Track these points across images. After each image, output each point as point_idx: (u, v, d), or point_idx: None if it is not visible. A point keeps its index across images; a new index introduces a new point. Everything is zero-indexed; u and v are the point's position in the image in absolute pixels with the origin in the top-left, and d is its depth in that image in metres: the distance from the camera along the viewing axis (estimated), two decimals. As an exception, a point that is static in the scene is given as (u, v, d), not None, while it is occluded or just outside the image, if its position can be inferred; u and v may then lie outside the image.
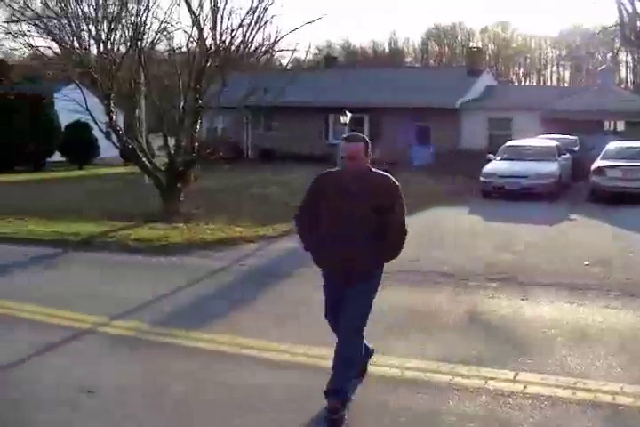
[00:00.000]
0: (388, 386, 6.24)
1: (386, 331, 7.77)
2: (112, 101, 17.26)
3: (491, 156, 23.67)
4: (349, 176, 5.70)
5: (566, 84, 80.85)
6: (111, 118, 17.28)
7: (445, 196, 21.26)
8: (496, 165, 22.39)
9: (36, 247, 13.74)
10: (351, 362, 5.78)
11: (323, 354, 6.68)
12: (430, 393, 6.03)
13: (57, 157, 37.75)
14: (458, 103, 34.73)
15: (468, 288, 9.84)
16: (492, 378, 6.33)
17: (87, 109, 17.38)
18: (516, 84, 79.85)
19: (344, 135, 5.81)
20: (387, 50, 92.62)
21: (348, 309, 5.75)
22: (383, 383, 6.30)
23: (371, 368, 6.55)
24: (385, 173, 5.80)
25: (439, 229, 15.35)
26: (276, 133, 38.17)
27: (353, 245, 5.67)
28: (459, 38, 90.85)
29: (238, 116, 19.38)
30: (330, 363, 5.86)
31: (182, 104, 17.33)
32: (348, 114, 18.33)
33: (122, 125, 18.15)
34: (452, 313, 8.60)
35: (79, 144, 36.68)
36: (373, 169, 5.79)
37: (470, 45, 70.29)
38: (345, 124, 18.43)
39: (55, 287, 10.23)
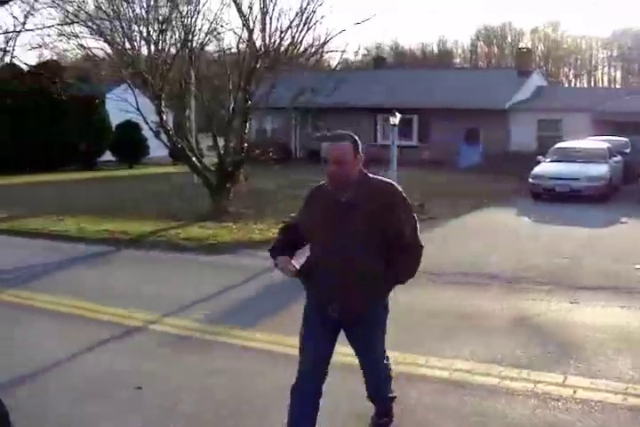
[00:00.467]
0: (436, 387, 6.22)
1: (433, 332, 7.78)
2: (162, 102, 17.43)
3: (540, 157, 23.45)
4: (337, 185, 4.52)
5: (617, 86, 79.67)
6: (162, 118, 17.44)
7: (494, 197, 21.13)
8: (546, 167, 22.18)
9: (87, 245, 13.98)
10: (388, 379, 5.22)
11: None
12: (478, 396, 6.00)
13: (107, 156, 38.16)
14: (507, 104, 34.46)
15: (517, 291, 9.78)
16: (540, 382, 6.28)
17: (138, 109, 17.56)
18: (566, 85, 78.99)
19: (323, 134, 4.92)
20: (435, 51, 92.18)
21: (359, 355, 4.93)
22: (431, 384, 6.29)
23: (419, 369, 6.57)
24: (383, 179, 4.68)
25: (487, 231, 15.27)
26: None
27: (349, 279, 4.52)
28: (508, 39, 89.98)
29: (287, 117, 19.44)
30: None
31: (232, 105, 17.42)
32: (398, 115, 18.24)
33: (171, 125, 18.29)
34: (499, 315, 8.55)
35: (129, 144, 37.05)
36: (370, 174, 4.65)
37: (520, 46, 69.63)
38: (394, 124, 18.34)
39: (105, 285, 10.37)
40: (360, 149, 4.53)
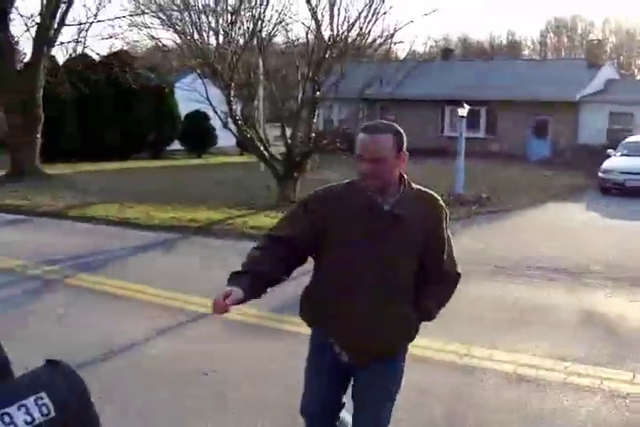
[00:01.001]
0: (500, 381, 6.21)
1: (498, 325, 7.75)
2: (232, 91, 17.57)
3: (610, 151, 23.08)
4: (375, 186, 3.49)
5: (693, 79, 77.80)
6: (231, 108, 17.59)
7: (562, 191, 20.88)
8: (616, 161, 21.83)
9: (156, 232, 14.20)
10: None
11: (446, 348, 6.72)
12: (544, 391, 5.97)
13: (176, 145, 38.61)
14: (577, 96, 33.90)
15: (585, 286, 9.68)
16: (608, 378, 6.22)
17: (207, 99, 17.74)
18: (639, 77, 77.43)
19: (364, 124, 3.59)
20: (504, 42, 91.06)
21: (365, 403, 3.79)
22: (495, 378, 6.27)
23: (483, 362, 6.56)
24: (426, 190, 3.73)
25: (555, 225, 15.10)
26: (391, 125, 38.06)
27: (378, 316, 3.58)
28: (578, 30, 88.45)
29: (354, 108, 19.41)
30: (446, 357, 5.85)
31: (300, 95, 17.50)
32: (466, 106, 18.13)
33: (240, 115, 18.43)
34: (566, 310, 8.47)
35: (198, 133, 37.42)
36: (411, 182, 3.65)
37: (590, 37, 68.39)
38: (463, 116, 18.24)
39: (173, 271, 10.54)
40: (404, 144, 3.50)
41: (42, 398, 1.98)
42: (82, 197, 19.35)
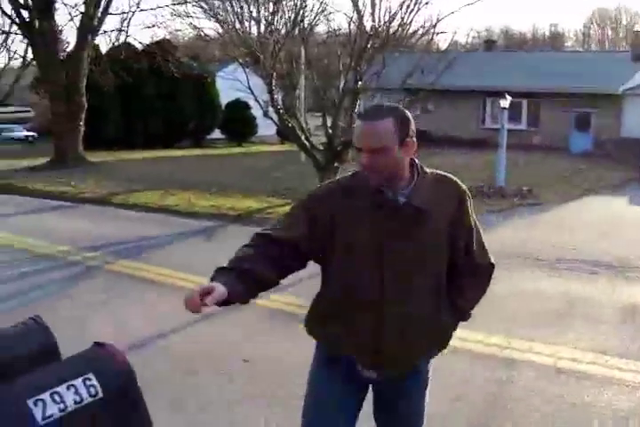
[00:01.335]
0: (541, 374, 6.17)
1: (539, 318, 7.70)
2: (273, 80, 17.58)
3: (655, 145, 22.82)
4: (379, 182, 2.91)
5: None
6: (272, 97, 17.60)
7: (605, 184, 20.66)
8: (660, 155, 21.58)
9: (196, 220, 14.33)
10: None
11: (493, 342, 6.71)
12: (585, 385, 5.91)
13: (216, 134, 38.83)
14: (621, 89, 33.43)
15: (627, 280, 9.56)
16: (651, 373, 6.17)
17: (249, 88, 17.77)
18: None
19: (361, 110, 3.26)
20: (547, 34, 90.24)
21: (396, 423, 3.33)
22: (536, 371, 6.23)
23: (524, 355, 6.52)
24: (444, 173, 3.14)
25: (597, 218, 14.95)
26: (431, 116, 37.88)
27: (408, 328, 3.01)
28: (623, 22, 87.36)
29: (395, 98, 19.34)
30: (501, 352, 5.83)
31: (342, 85, 17.47)
32: (508, 98, 17.99)
33: (281, 104, 18.44)
34: (607, 304, 8.38)
35: (238, 122, 37.60)
36: (424, 167, 3.06)
37: (635, 29, 67.44)
38: (504, 108, 18.11)
39: (213, 259, 10.57)
40: (411, 129, 2.93)
41: (90, 380, 2.02)
42: (124, 185, 19.58)
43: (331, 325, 3.12)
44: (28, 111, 48.68)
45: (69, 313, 7.74)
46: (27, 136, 42.56)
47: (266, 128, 37.54)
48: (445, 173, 3.14)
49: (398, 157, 2.89)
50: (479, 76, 35.49)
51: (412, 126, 2.95)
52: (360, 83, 17.20)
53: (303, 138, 17.61)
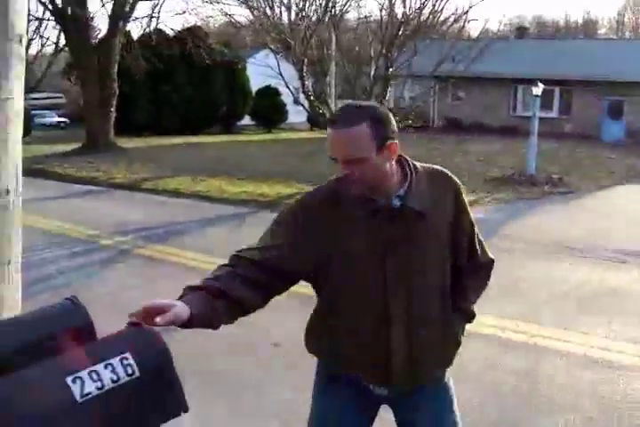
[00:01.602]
0: (572, 363, 6.15)
1: (569, 306, 7.67)
2: (305, 67, 17.59)
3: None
4: (363, 192, 2.57)
5: None
6: (303, 83, 17.61)
7: (637, 174, 20.46)
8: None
9: (226, 206, 14.39)
10: None
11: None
12: (614, 373, 5.89)
13: (246, 120, 38.90)
14: (655, 77, 33.11)
15: (660, 269, 9.52)
16: (683, 363, 6.13)
17: (280, 74, 17.78)
18: None
19: (331, 114, 2.70)
20: (580, 21, 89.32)
21: None
22: (566, 360, 6.21)
23: (554, 343, 6.51)
24: (434, 166, 2.81)
25: (628, 207, 14.83)
26: (462, 103, 37.75)
27: (418, 341, 2.70)
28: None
29: (426, 86, 19.31)
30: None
31: (372, 71, 17.44)
32: (541, 85, 17.83)
33: (312, 91, 18.45)
34: (638, 293, 8.35)
35: (269, 109, 37.65)
36: (415, 163, 2.72)
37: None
38: (537, 95, 17.96)
39: (243, 244, 10.66)
40: (390, 130, 2.54)
41: (127, 359, 2.04)
42: (154, 170, 19.71)
43: (332, 340, 2.82)
44: (60, 97, 49.04)
45: (102, 295, 7.82)
46: (58, 122, 42.89)
47: (296, 115, 37.59)
48: (438, 168, 2.82)
49: (379, 164, 2.53)
50: (510, 64, 35.22)
51: (393, 125, 2.56)
52: (391, 70, 17.17)
53: (334, 124, 17.59)
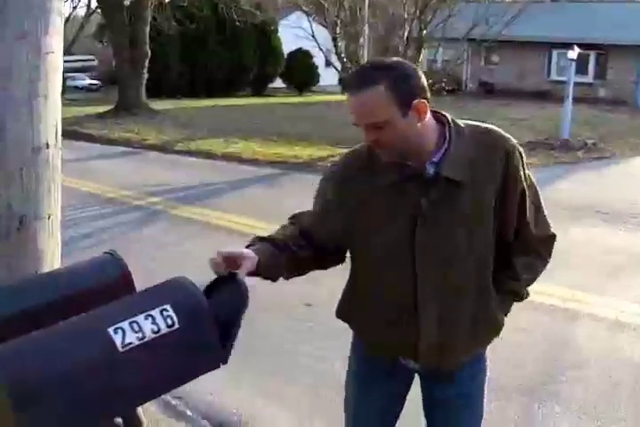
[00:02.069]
0: (602, 327, 6.14)
1: (604, 271, 7.63)
2: (338, 28, 17.46)
3: None
4: (394, 158, 2.36)
5: None
6: (336, 45, 17.50)
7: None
8: None
9: (259, 168, 14.42)
10: None
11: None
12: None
13: (278, 83, 38.77)
14: (694, 41, 32.52)
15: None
16: None
17: (313, 36, 17.68)
18: None
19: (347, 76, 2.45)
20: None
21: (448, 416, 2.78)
22: (598, 324, 6.20)
23: (587, 307, 6.49)
24: (485, 126, 2.51)
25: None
26: (495, 67, 37.34)
27: (452, 321, 2.50)
28: None
29: (459, 49, 19.12)
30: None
31: (406, 34, 17.28)
32: (576, 49, 17.58)
33: (344, 53, 18.32)
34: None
35: (300, 71, 37.48)
36: (459, 122, 2.45)
37: None
38: (572, 59, 17.71)
39: (276, 206, 10.65)
40: (417, 87, 2.28)
41: (167, 311, 2.07)
42: (186, 132, 19.77)
43: (360, 313, 2.69)
44: (92, 60, 49.11)
45: (136, 254, 7.88)
46: (90, 84, 42.98)
47: (327, 78, 37.40)
48: (488, 127, 2.51)
49: (406, 127, 2.27)
50: (545, 27, 34.70)
51: (420, 82, 2.29)
52: (424, 32, 17.00)
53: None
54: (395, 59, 2.39)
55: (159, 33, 29.54)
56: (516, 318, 6.04)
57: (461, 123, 2.45)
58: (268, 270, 2.39)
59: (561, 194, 11.49)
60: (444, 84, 17.12)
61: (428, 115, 2.36)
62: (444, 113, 2.45)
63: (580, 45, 18.48)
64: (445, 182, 2.34)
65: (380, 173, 2.40)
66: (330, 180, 2.57)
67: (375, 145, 2.34)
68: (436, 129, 2.39)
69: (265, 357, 5.46)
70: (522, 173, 2.45)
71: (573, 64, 18.05)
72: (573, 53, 17.64)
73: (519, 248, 2.55)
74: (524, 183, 2.46)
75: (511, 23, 17.36)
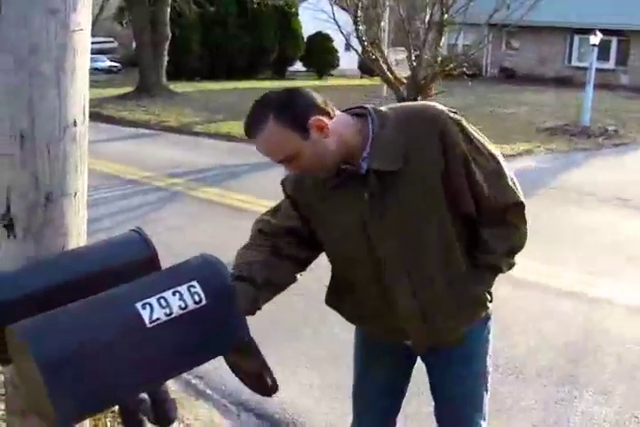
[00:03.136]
0: (619, 312, 6.14)
1: (623, 258, 7.61)
2: (359, 11, 17.36)
3: None
4: (322, 174, 2.45)
5: None
6: (357, 29, 17.42)
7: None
8: None
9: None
10: None
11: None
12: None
13: (297, 66, 38.70)
14: None
15: None
16: None
17: (334, 19, 17.60)
18: None
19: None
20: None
21: (447, 395, 2.83)
22: (618, 309, 6.19)
23: (608, 293, 6.49)
24: (414, 105, 2.57)
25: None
26: (516, 53, 37.13)
27: (424, 301, 2.52)
28: None
29: (480, 34, 19.00)
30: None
31: (427, 17, 17.17)
32: (599, 34, 17.45)
33: (365, 36, 18.24)
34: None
35: (320, 55, 37.41)
36: (383, 110, 2.44)
37: None
38: (594, 45, 17.59)
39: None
40: (305, 111, 2.30)
41: (194, 287, 2.09)
42: (206, 115, 19.82)
43: (344, 300, 2.74)
44: (112, 42, 49.12)
45: (158, 234, 7.92)
46: (110, 67, 43.01)
47: (346, 61, 37.30)
48: (422, 104, 2.53)
49: (315, 148, 2.30)
50: (566, 12, 34.38)
51: (307, 101, 2.33)
52: (446, 16, 16.89)
53: (387, 70, 17.43)
54: (278, 90, 2.43)
55: (180, 15, 29.51)
56: (533, 302, 6.14)
57: (389, 108, 2.45)
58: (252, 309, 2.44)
59: (581, 180, 11.46)
60: (465, 69, 17.00)
61: (344, 117, 2.41)
62: (364, 106, 2.45)
63: (601, 31, 18.32)
64: (379, 175, 2.36)
65: (318, 183, 2.49)
66: (286, 179, 2.70)
67: (302, 172, 2.44)
68: (357, 126, 2.40)
69: (282, 336, 5.49)
70: (462, 142, 2.39)
71: (595, 49, 17.94)
72: (596, 39, 17.52)
73: (485, 220, 2.51)
74: (468, 152, 2.40)
75: (533, 8, 17.19)
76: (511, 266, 2.60)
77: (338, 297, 2.75)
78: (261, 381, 2.34)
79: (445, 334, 2.60)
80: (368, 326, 2.78)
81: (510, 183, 2.49)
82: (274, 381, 2.33)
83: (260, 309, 2.49)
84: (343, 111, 2.45)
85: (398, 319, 2.55)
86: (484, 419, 2.81)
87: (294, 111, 2.28)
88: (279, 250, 2.60)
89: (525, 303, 6.20)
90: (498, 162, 2.48)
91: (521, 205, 2.52)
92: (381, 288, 2.52)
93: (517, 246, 2.58)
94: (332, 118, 2.34)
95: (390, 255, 2.46)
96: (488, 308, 2.63)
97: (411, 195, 2.39)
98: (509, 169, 2.52)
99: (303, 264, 2.70)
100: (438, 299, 2.51)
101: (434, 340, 2.62)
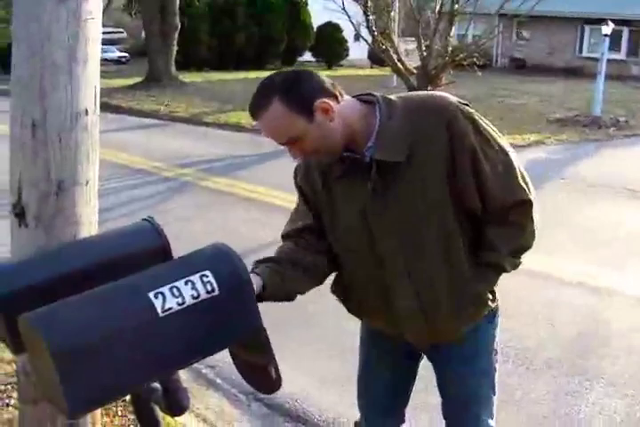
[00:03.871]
0: (627, 303, 6.13)
1: (630, 249, 7.59)
2: (369, 1, 17.30)
3: None
4: (327, 160, 2.45)
5: None
6: (367, 19, 17.36)
7: None
8: None
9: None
10: None
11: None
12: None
13: (307, 56, 38.62)
14: None
15: None
16: None
17: (343, 9, 17.54)
18: None
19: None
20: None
21: (451, 392, 2.80)
22: (624, 300, 6.18)
23: (614, 285, 6.47)
24: (423, 95, 2.47)
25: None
26: (526, 43, 36.98)
27: (424, 298, 2.49)
28: None
29: (490, 24, 18.92)
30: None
31: (438, 7, 17.10)
32: (610, 24, 17.36)
33: (375, 26, 18.18)
34: None
35: (329, 45, 37.32)
36: (391, 98, 2.40)
37: None
38: (606, 35, 17.49)
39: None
40: (312, 89, 2.27)
41: (207, 277, 2.08)
42: (215, 105, 19.80)
43: (350, 301, 2.73)
44: (121, 32, 49.08)
45: (168, 224, 7.93)
46: (119, 57, 42.97)
47: (356, 52, 37.21)
48: (430, 93, 2.47)
49: (320, 131, 2.28)
50: (578, 3, 34.25)
51: (314, 84, 2.28)
52: (457, 6, 16.83)
53: (397, 60, 17.38)
54: (285, 70, 2.41)
55: (189, 5, 29.47)
56: (544, 294, 6.12)
57: (398, 97, 2.42)
58: (275, 288, 2.41)
59: (591, 171, 11.41)
60: (475, 60, 16.93)
61: (352, 102, 2.38)
62: (373, 93, 2.41)
63: (612, 21, 18.22)
64: (383, 165, 2.32)
65: (332, 165, 2.44)
66: (297, 168, 2.68)
67: (304, 156, 2.40)
68: (363, 111, 2.37)
69: (293, 324, 5.49)
70: (471, 133, 2.32)
71: (607, 40, 17.83)
72: (607, 29, 17.41)
73: (490, 218, 2.45)
74: (477, 145, 2.33)
75: (544, -2, 17.14)
76: (516, 265, 2.52)
77: (342, 290, 2.72)
78: (266, 375, 2.33)
79: (446, 333, 2.58)
80: (370, 320, 2.78)
81: (520, 180, 2.41)
82: (279, 375, 2.33)
83: (301, 293, 2.53)
84: (352, 97, 2.42)
85: (398, 318, 2.54)
86: (492, 417, 2.77)
87: (300, 93, 2.25)
88: (302, 245, 2.58)
89: (535, 294, 6.19)
90: (508, 156, 2.41)
91: (528, 203, 2.44)
92: (382, 287, 2.51)
93: (524, 247, 2.51)
94: (339, 102, 2.31)
95: (390, 255, 2.44)
96: (490, 307, 2.58)
97: (411, 195, 2.35)
98: (521, 165, 2.45)
99: (325, 253, 2.60)
100: (439, 299, 2.48)
101: (434, 339, 2.61)
